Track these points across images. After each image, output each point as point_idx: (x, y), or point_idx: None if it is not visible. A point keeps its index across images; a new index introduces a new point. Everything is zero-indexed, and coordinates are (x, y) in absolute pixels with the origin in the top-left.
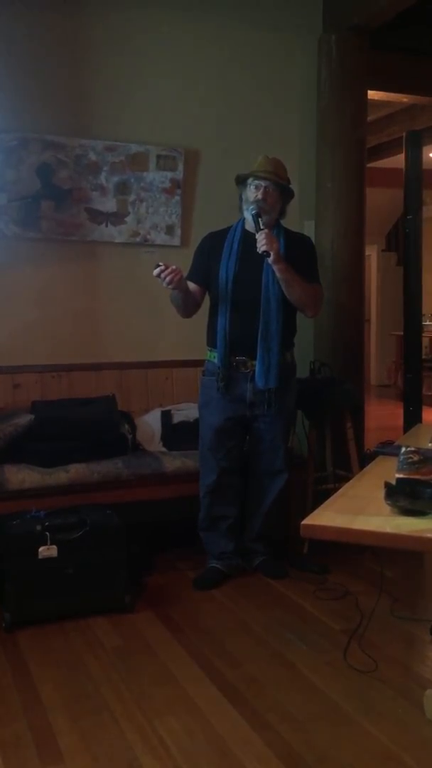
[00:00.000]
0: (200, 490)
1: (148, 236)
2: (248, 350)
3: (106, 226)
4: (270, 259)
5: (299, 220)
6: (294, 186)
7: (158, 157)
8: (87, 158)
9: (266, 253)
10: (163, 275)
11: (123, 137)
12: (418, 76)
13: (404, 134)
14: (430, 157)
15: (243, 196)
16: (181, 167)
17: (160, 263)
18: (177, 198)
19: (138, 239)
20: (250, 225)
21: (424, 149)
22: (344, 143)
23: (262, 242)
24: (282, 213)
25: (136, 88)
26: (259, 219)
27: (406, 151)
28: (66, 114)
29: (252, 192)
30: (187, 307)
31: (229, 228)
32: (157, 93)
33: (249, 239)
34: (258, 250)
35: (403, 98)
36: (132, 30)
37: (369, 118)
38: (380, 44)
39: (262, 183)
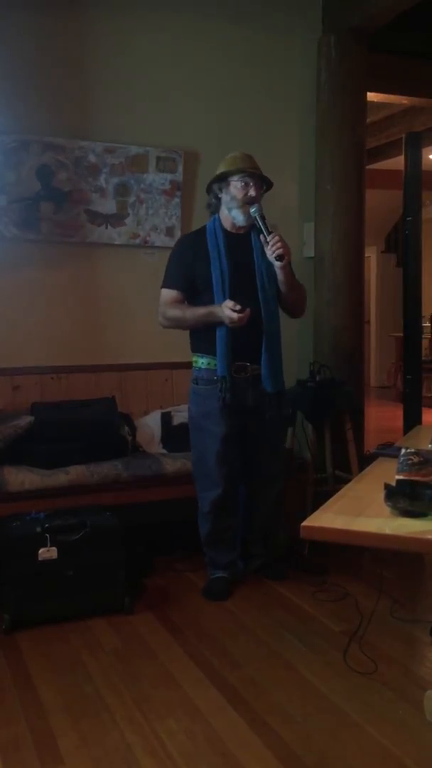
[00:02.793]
0: (203, 506)
1: (148, 238)
2: (248, 355)
3: (106, 227)
4: (281, 264)
5: (299, 222)
6: (294, 188)
7: (158, 158)
8: (87, 160)
9: (280, 258)
10: (237, 318)
11: (123, 139)
12: (417, 77)
13: (404, 136)
14: (429, 158)
15: (223, 195)
16: (180, 169)
17: (238, 306)
18: (176, 200)
19: (138, 241)
20: (229, 224)
21: (424, 150)
22: (344, 145)
23: (277, 246)
24: None
25: (136, 89)
26: (265, 220)
27: (405, 153)
28: (66, 116)
29: (240, 189)
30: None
31: (202, 229)
32: (156, 95)
33: (232, 239)
34: (271, 254)
35: (403, 100)
36: (131, 32)
37: (368, 120)
38: (380, 46)
39: (251, 179)
